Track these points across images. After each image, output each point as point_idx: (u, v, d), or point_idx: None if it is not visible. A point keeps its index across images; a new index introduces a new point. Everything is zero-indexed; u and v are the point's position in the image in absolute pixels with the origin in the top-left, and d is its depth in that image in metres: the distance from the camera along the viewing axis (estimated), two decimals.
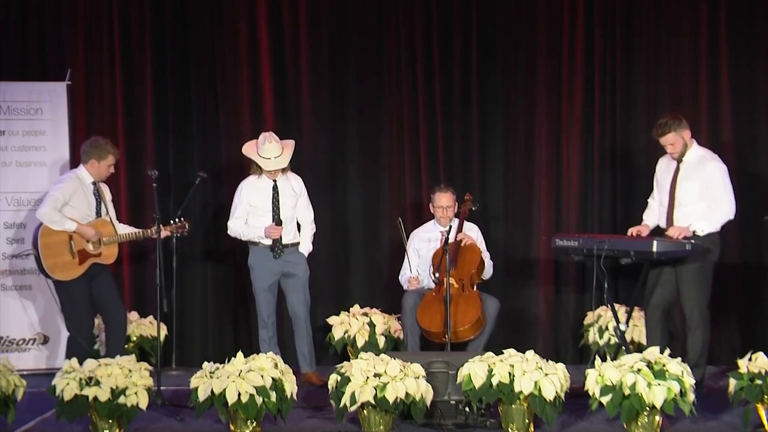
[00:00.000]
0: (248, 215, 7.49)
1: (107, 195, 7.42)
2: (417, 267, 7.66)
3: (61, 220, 7.09)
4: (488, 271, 7.68)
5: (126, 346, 7.82)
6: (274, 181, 7.45)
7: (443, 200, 7.66)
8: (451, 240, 7.32)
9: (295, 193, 7.50)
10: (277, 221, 7.39)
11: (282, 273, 7.47)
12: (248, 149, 7.48)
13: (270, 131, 7.52)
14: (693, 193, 6.97)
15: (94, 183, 7.28)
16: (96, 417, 5.90)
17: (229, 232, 7.58)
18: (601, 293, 6.79)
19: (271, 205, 7.43)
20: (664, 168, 7.19)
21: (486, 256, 7.64)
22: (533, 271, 8.43)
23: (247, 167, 8.43)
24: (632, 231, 7.08)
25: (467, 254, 7.52)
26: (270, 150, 7.37)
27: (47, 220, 7.10)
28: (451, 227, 7.43)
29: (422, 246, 7.70)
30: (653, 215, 7.22)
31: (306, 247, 7.54)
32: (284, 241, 7.43)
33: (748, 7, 8.24)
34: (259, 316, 7.52)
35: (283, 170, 7.47)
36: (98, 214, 7.28)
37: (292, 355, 7.56)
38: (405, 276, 7.70)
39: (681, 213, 6.99)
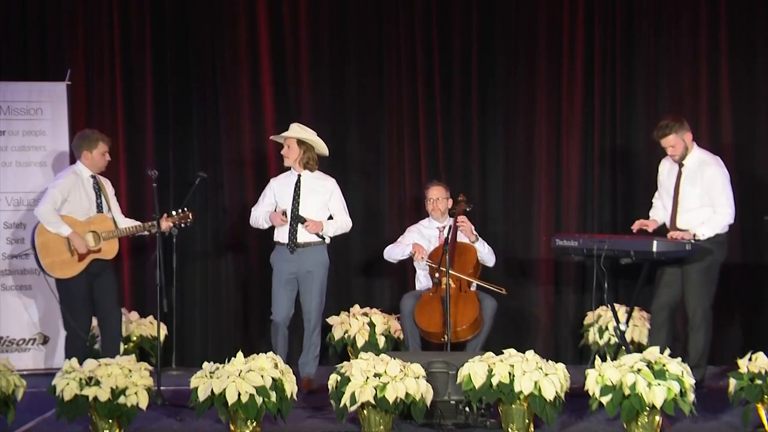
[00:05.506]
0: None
1: (109, 189, 7.40)
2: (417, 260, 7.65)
3: (57, 222, 7.07)
4: (489, 259, 7.68)
5: (126, 346, 7.83)
6: (299, 176, 7.38)
7: (433, 192, 7.69)
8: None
9: (318, 194, 7.36)
10: (296, 217, 7.26)
11: (299, 272, 7.34)
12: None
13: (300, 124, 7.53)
14: (695, 197, 6.98)
15: (93, 177, 7.27)
16: (96, 417, 5.89)
17: (250, 220, 7.51)
18: (601, 293, 6.80)
19: (292, 199, 7.34)
20: (666, 171, 7.18)
21: (482, 245, 7.63)
22: (533, 271, 8.43)
23: (247, 166, 8.46)
24: (637, 224, 7.07)
25: (464, 255, 7.51)
26: (291, 127, 7.41)
27: (44, 220, 7.09)
28: (449, 227, 7.43)
29: (418, 241, 7.68)
30: (660, 213, 7.21)
31: (326, 229, 7.34)
32: (299, 240, 7.30)
33: (748, 7, 8.25)
34: (271, 315, 7.42)
35: (311, 168, 7.37)
36: (99, 208, 7.27)
37: (296, 355, 7.49)
38: (401, 246, 7.63)
39: (684, 218, 7.00)
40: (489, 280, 7.50)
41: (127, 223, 7.36)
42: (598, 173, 8.41)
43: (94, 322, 7.44)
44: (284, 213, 7.29)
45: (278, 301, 7.34)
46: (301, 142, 7.36)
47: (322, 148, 7.45)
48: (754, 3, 8.24)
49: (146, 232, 7.33)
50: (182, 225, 7.39)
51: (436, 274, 7.31)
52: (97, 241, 7.19)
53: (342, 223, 7.43)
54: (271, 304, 7.39)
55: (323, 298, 7.41)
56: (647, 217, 7.30)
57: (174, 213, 7.33)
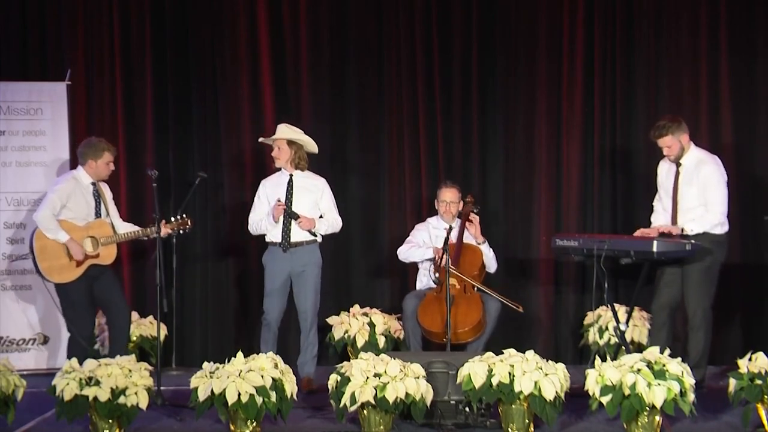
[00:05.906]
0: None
1: (108, 194, 7.40)
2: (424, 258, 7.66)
3: (55, 229, 7.06)
4: (492, 264, 7.67)
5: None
6: (290, 176, 7.37)
7: (447, 195, 7.68)
8: (453, 240, 7.33)
9: (310, 192, 7.37)
10: (289, 213, 7.24)
11: (292, 272, 7.35)
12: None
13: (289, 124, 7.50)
14: (693, 197, 6.98)
15: (93, 183, 7.27)
16: (96, 417, 5.89)
17: (249, 228, 7.49)
18: (601, 293, 6.79)
19: (285, 198, 7.31)
20: (665, 173, 7.18)
21: (488, 249, 7.63)
22: (533, 271, 8.43)
23: (247, 166, 8.44)
24: (638, 233, 7.06)
25: (470, 256, 7.51)
26: (279, 129, 7.39)
27: (43, 225, 7.08)
28: (452, 227, 7.43)
29: (426, 240, 7.68)
30: (660, 217, 7.21)
31: (318, 226, 7.33)
32: (292, 239, 7.30)
33: (748, 7, 8.25)
34: (264, 315, 7.44)
35: (302, 168, 7.37)
36: (98, 214, 7.26)
37: (294, 356, 7.51)
38: (421, 249, 7.63)
39: (684, 218, 6.99)
40: (491, 286, 7.51)
41: (125, 229, 7.33)
42: (598, 173, 8.41)
43: (96, 322, 7.43)
44: (278, 200, 7.28)
45: (271, 301, 7.33)
46: (291, 143, 7.36)
47: (311, 146, 7.44)
48: (754, 3, 8.24)
49: (144, 238, 7.31)
50: (180, 231, 7.37)
51: (437, 274, 7.31)
52: (96, 247, 7.18)
53: (332, 221, 7.44)
54: None
55: (318, 297, 7.40)
56: (648, 220, 7.30)
57: (173, 219, 7.30)
